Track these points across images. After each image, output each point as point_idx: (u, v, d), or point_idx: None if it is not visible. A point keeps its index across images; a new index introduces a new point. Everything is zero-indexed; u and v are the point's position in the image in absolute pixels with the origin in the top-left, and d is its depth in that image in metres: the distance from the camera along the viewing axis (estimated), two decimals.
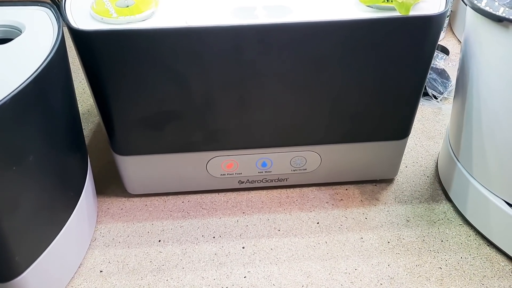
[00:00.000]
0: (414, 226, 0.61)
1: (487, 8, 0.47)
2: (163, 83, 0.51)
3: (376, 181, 0.68)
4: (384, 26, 0.48)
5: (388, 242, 0.59)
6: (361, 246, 0.58)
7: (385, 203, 0.64)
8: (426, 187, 0.67)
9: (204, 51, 0.48)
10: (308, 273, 0.55)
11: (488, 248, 0.58)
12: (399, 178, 0.68)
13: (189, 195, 0.65)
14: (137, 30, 0.47)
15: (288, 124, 0.57)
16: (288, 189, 0.66)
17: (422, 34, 0.50)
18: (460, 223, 0.61)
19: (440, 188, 0.66)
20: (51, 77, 0.44)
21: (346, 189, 0.66)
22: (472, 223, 0.60)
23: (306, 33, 0.48)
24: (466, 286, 0.54)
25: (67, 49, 0.50)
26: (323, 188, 0.66)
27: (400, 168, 0.68)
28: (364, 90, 0.54)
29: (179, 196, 0.65)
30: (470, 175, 0.58)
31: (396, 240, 0.59)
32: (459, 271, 0.55)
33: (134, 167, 0.60)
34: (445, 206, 0.64)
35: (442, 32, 0.72)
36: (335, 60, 0.51)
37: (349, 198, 0.65)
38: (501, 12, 0.46)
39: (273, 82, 0.52)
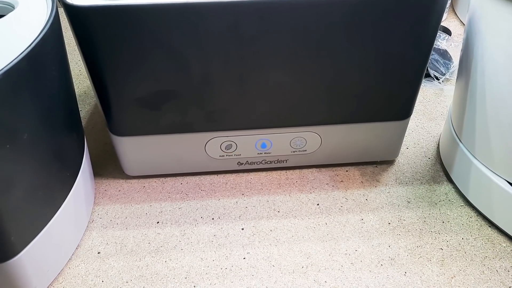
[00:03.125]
0: (415, 207, 0.60)
1: None
2: (160, 61, 0.50)
3: (377, 163, 0.67)
4: (387, 2, 0.47)
5: (389, 223, 0.58)
6: (362, 227, 0.58)
7: (386, 185, 0.64)
8: (428, 168, 0.66)
9: (203, 27, 0.47)
10: (308, 254, 0.55)
11: (489, 229, 0.57)
12: (400, 159, 0.68)
13: (188, 177, 0.65)
14: (134, 5, 0.45)
15: (288, 104, 0.56)
16: (287, 171, 0.66)
17: (426, 10, 0.48)
18: (462, 204, 0.61)
19: (441, 169, 0.66)
20: (46, 52, 0.43)
21: (347, 171, 0.66)
22: (474, 204, 0.60)
23: (307, 9, 0.47)
24: (467, 266, 0.53)
25: (62, 30, 0.48)
26: (323, 169, 0.66)
27: (401, 149, 0.67)
28: (366, 69, 0.53)
29: (177, 177, 0.65)
30: (473, 155, 0.57)
31: (397, 221, 0.58)
32: (460, 252, 0.55)
33: (132, 148, 0.60)
34: (446, 187, 0.63)
35: (444, 12, 0.71)
36: (336, 38, 0.50)
37: (349, 179, 0.64)
38: None
39: (273, 60, 0.51)
